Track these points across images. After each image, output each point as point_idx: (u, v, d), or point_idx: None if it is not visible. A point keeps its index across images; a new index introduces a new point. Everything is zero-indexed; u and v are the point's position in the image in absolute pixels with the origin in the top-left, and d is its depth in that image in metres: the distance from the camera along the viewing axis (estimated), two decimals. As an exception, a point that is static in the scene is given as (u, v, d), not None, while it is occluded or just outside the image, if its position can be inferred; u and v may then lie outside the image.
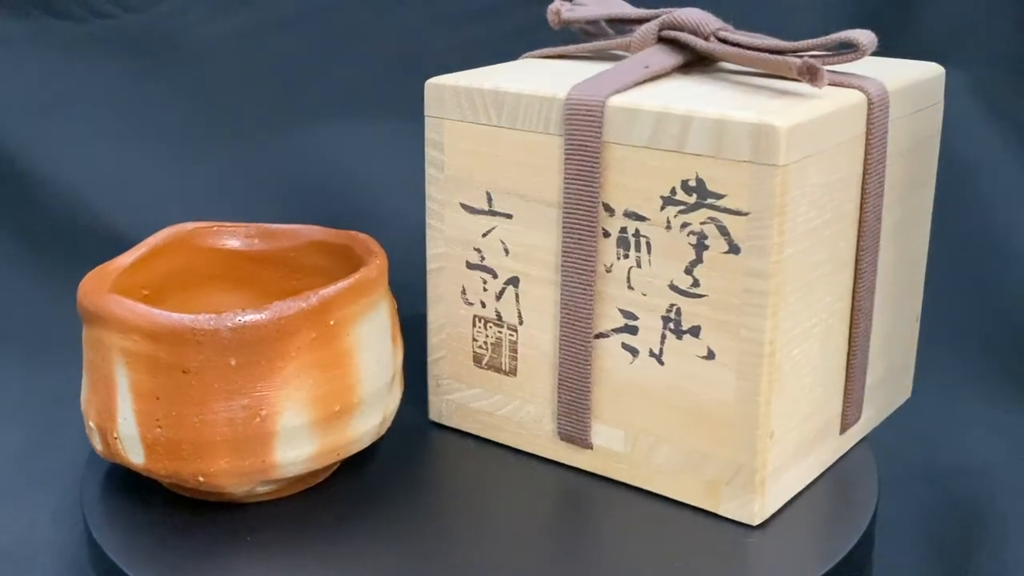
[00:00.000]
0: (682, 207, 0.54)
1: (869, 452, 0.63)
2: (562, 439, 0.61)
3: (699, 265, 0.54)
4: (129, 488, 0.59)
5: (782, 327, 0.54)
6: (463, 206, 0.61)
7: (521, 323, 0.61)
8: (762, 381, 0.54)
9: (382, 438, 0.61)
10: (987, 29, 0.83)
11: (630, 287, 0.57)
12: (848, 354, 0.60)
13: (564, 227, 0.57)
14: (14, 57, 0.83)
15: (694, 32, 0.60)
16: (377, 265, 0.58)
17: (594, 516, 0.59)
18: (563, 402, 0.60)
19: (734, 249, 0.53)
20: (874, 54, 0.58)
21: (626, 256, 0.56)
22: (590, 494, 0.60)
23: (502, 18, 0.77)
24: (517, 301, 0.61)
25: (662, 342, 0.56)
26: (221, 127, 0.84)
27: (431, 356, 0.65)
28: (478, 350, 0.63)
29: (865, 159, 0.57)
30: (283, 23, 0.82)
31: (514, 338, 0.61)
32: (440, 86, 0.60)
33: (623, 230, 0.56)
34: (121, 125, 0.84)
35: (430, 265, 0.63)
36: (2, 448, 0.78)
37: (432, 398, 0.66)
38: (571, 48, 0.66)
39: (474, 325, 0.62)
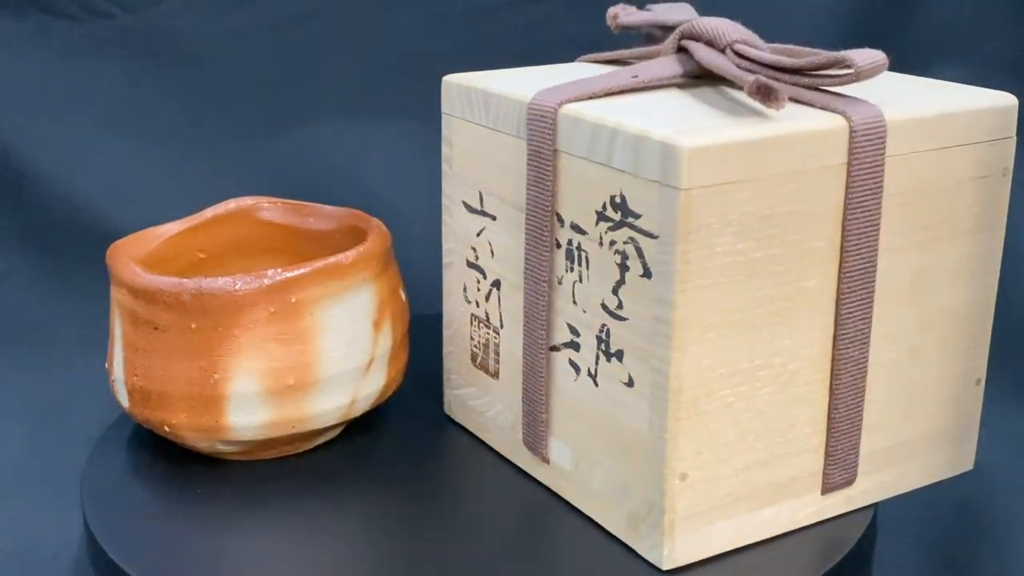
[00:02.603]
0: (610, 224, 0.51)
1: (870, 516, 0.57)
2: (528, 449, 0.60)
3: (623, 286, 0.51)
4: (129, 488, 0.61)
5: (697, 363, 0.50)
6: (464, 204, 0.61)
7: (502, 327, 0.60)
8: (669, 418, 0.50)
9: (364, 418, 0.64)
10: (986, 29, 0.76)
11: (574, 302, 0.55)
12: (829, 407, 0.54)
13: (526, 234, 0.56)
14: (14, 57, 0.83)
15: (710, 43, 0.57)
16: (357, 253, 0.60)
17: (532, 532, 0.57)
18: (525, 412, 0.59)
19: (647, 273, 0.50)
20: (946, 77, 0.52)
21: (571, 269, 0.54)
22: (545, 509, 0.58)
23: (503, 18, 0.75)
24: (499, 304, 0.60)
25: (596, 362, 0.54)
26: (221, 126, 0.84)
27: (444, 350, 0.66)
28: (474, 349, 0.63)
29: (847, 193, 0.51)
30: (283, 22, 0.82)
31: (497, 341, 0.61)
32: (450, 83, 0.61)
33: (570, 242, 0.54)
34: (121, 124, 0.85)
35: (444, 260, 0.64)
36: (2, 448, 0.78)
37: (445, 392, 0.67)
38: (623, 53, 0.64)
39: (471, 323, 0.63)
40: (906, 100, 0.54)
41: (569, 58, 0.62)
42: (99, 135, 0.85)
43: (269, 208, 0.69)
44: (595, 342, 0.54)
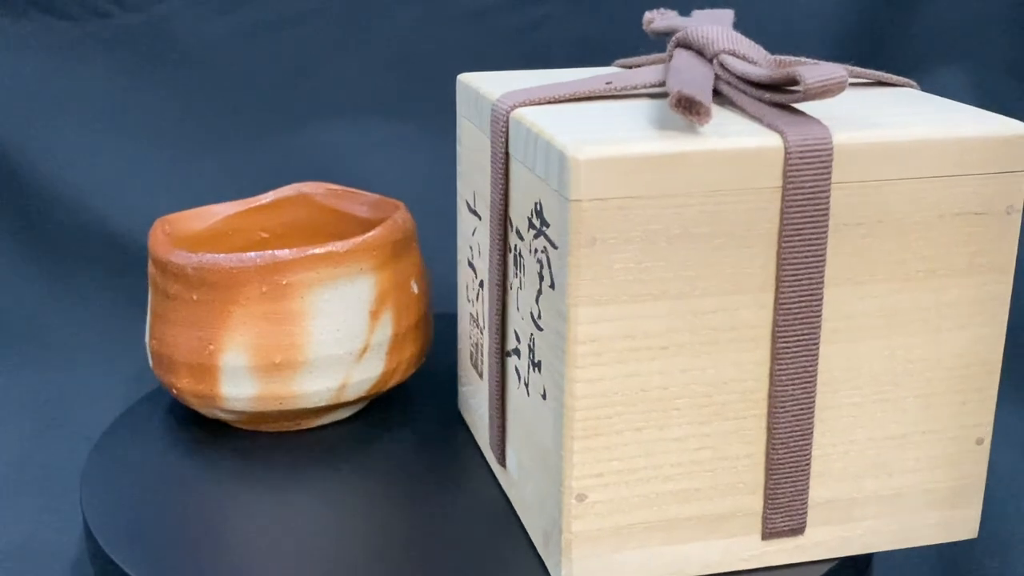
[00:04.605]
0: (535, 232, 0.50)
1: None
2: (492, 452, 0.59)
3: (541, 296, 0.50)
4: (129, 488, 0.61)
5: (596, 382, 0.48)
6: (467, 203, 0.62)
7: (485, 327, 0.60)
8: (565, 435, 0.49)
9: (382, 404, 0.65)
10: (987, 29, 0.71)
11: (518, 308, 0.54)
12: (768, 447, 0.51)
13: (490, 237, 0.56)
14: (14, 57, 0.84)
15: (700, 51, 0.54)
16: (354, 243, 0.61)
17: (478, 537, 0.57)
18: (489, 416, 0.59)
19: (553, 284, 0.48)
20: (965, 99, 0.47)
21: (516, 275, 0.54)
22: (504, 516, 0.57)
23: (503, 18, 0.70)
24: (484, 305, 0.60)
25: (528, 372, 0.53)
26: (221, 126, 0.83)
27: (458, 347, 0.66)
28: (471, 348, 0.63)
29: (782, 218, 0.48)
30: (283, 22, 0.81)
31: (482, 341, 0.61)
32: (459, 83, 0.61)
33: (515, 248, 0.53)
34: (121, 124, 0.84)
35: (457, 257, 0.64)
36: (2, 448, 0.77)
37: (458, 388, 0.67)
38: (655, 57, 0.61)
39: (470, 322, 0.63)
40: (886, 122, 0.49)
41: (568, 59, 0.61)
42: (99, 135, 0.84)
43: (326, 194, 0.72)
44: (528, 351, 0.53)
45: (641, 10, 0.58)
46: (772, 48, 0.55)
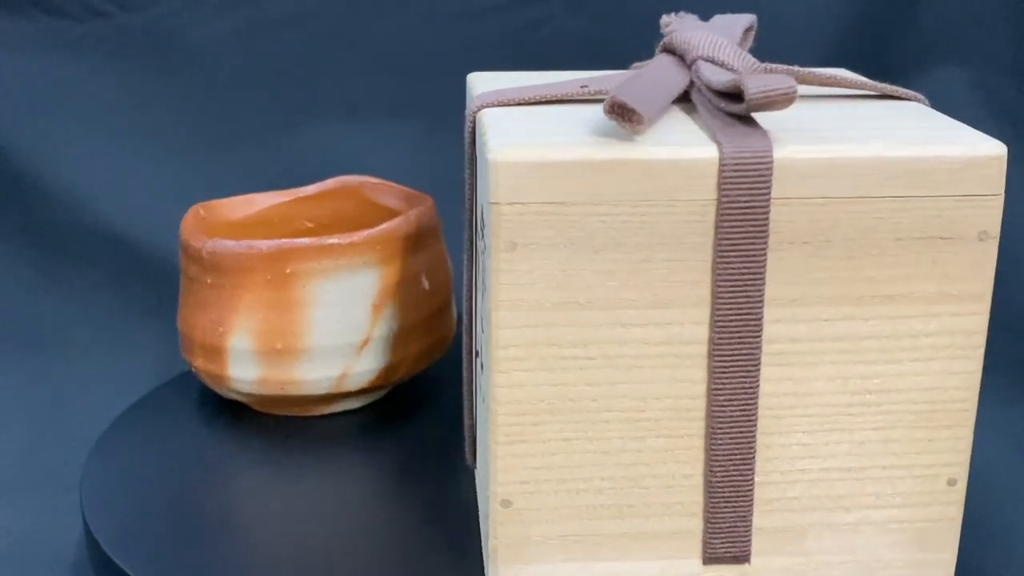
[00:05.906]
0: (480, 234, 0.50)
1: None
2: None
3: (483, 299, 0.50)
4: (129, 488, 0.61)
5: (518, 389, 0.47)
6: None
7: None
8: (489, 440, 0.48)
9: (401, 396, 0.66)
10: (987, 29, 0.69)
11: (478, 309, 0.54)
12: (706, 469, 0.49)
13: (465, 238, 0.56)
14: (14, 57, 0.84)
15: (682, 56, 0.52)
16: (358, 236, 0.63)
17: (439, 534, 0.57)
18: (467, 415, 0.59)
19: (484, 288, 0.48)
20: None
21: (477, 276, 0.53)
22: (468, 519, 0.58)
23: (503, 18, 0.67)
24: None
25: (480, 373, 0.53)
26: (220, 126, 0.83)
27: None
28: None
29: (716, 233, 0.46)
30: (283, 22, 0.80)
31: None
32: (468, 82, 0.61)
33: (476, 249, 0.53)
34: (121, 124, 0.85)
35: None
36: (2, 448, 0.77)
37: (468, 386, 0.67)
38: (667, 64, 0.60)
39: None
40: (845, 137, 0.47)
41: (568, 59, 0.60)
42: (99, 134, 0.85)
43: (367, 186, 0.73)
44: (480, 352, 0.53)
45: (642, 10, 0.57)
46: (772, 49, 0.53)
